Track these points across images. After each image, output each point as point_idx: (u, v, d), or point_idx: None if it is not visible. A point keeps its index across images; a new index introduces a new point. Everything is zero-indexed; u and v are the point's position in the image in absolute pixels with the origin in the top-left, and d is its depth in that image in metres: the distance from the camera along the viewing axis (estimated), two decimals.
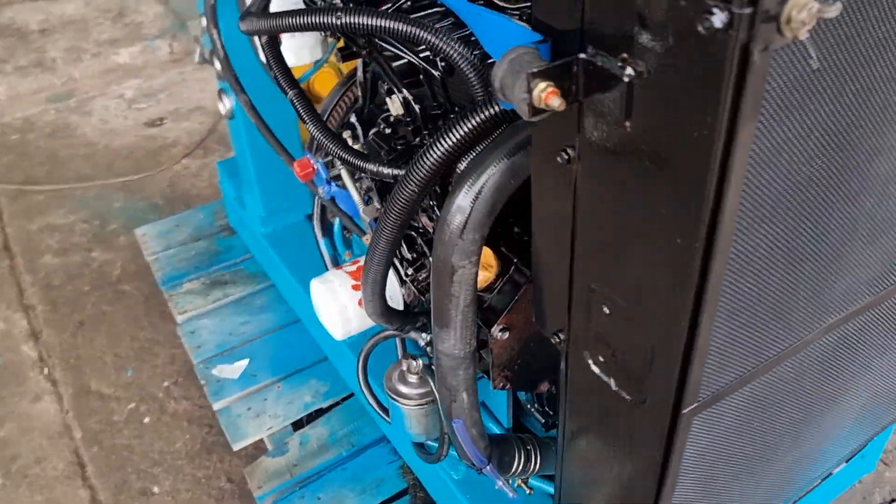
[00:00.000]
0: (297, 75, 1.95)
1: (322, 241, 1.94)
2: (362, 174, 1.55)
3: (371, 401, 1.79)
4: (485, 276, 1.30)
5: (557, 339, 1.08)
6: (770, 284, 0.86)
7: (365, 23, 1.09)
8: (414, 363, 1.60)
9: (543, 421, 1.57)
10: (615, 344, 0.96)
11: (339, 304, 1.67)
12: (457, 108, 1.29)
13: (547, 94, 0.76)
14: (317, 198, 1.88)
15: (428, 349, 1.64)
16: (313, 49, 1.70)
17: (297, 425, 2.15)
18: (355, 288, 1.68)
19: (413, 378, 1.64)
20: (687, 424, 0.94)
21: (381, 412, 1.78)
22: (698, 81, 0.65)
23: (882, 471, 2.22)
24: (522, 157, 1.07)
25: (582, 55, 0.77)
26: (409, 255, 1.57)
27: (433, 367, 1.62)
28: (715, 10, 0.60)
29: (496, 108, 1.07)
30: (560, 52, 0.80)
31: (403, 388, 1.64)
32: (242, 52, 2.06)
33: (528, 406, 1.61)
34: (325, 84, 2.42)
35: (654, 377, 0.90)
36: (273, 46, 1.44)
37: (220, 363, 2.28)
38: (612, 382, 1.00)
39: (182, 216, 2.94)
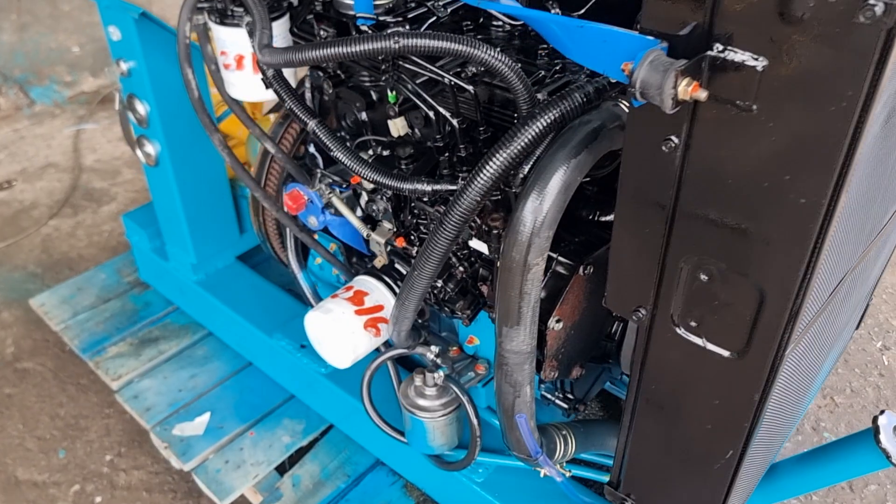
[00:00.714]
0: (251, 111, 1.92)
1: (301, 275, 1.91)
2: (372, 197, 1.57)
3: (382, 424, 1.79)
4: None
5: (639, 315, 1.19)
6: (852, 221, 1.03)
7: (425, 45, 1.14)
8: (435, 375, 1.64)
9: (567, 407, 1.67)
10: (711, 307, 1.08)
11: (347, 332, 1.66)
12: (489, 121, 1.36)
13: (693, 88, 0.87)
14: (290, 231, 1.86)
15: (438, 360, 1.69)
16: None
17: (280, 469, 2.08)
18: (359, 313, 1.68)
19: (431, 390, 1.68)
20: (781, 366, 1.09)
21: (394, 434, 1.79)
22: (843, 62, 0.79)
23: None
24: (586, 154, 1.17)
25: (710, 52, 0.88)
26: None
27: (452, 375, 1.67)
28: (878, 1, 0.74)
29: (556, 113, 1.17)
30: (679, 52, 0.91)
31: (424, 402, 1.67)
32: (171, 93, 1.99)
33: (549, 395, 1.70)
34: (234, 123, 2.38)
35: (763, 327, 1.04)
36: (283, 78, 1.43)
37: (178, 422, 2.15)
38: (704, 343, 1.12)
39: (81, 279, 2.72)
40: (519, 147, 1.17)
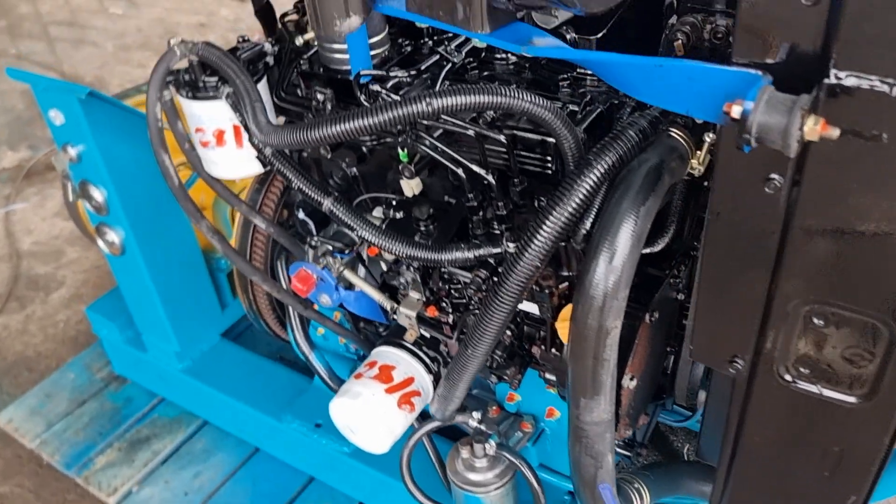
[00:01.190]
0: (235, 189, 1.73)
1: (314, 357, 1.73)
2: (395, 269, 1.41)
3: None
4: None
5: (737, 367, 1.07)
6: None
7: (462, 102, 1.00)
8: (486, 445, 1.50)
9: (631, 455, 1.55)
10: (828, 352, 0.97)
11: (381, 416, 1.50)
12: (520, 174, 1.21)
13: (822, 126, 0.75)
14: (293, 310, 1.68)
15: (483, 427, 1.55)
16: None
17: None
18: (389, 391, 1.52)
19: (482, 462, 1.53)
20: None
21: None
22: None
23: None
24: (653, 199, 1.05)
25: (827, 80, 0.76)
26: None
27: (502, 440, 1.53)
28: None
29: (614, 156, 1.04)
30: (785, 84, 0.79)
31: (477, 476, 1.53)
32: (130, 174, 1.80)
33: None
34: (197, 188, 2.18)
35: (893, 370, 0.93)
36: (289, 159, 1.25)
37: None
38: (821, 390, 1.01)
39: (48, 383, 2.46)
40: (578, 200, 1.04)
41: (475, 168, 1.16)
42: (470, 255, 1.18)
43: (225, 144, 1.38)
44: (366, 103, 1.19)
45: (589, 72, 1.25)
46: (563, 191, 1.05)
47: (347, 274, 1.47)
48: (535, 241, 1.05)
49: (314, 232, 1.68)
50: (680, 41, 1.11)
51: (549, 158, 1.22)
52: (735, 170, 0.90)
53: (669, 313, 1.37)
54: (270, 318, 1.97)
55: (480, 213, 1.23)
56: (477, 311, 1.36)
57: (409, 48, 1.32)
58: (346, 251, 1.57)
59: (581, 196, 1.04)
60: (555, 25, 0.98)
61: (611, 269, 1.03)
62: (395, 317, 1.49)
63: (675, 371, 1.52)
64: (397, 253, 1.20)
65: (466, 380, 1.26)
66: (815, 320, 0.95)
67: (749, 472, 1.19)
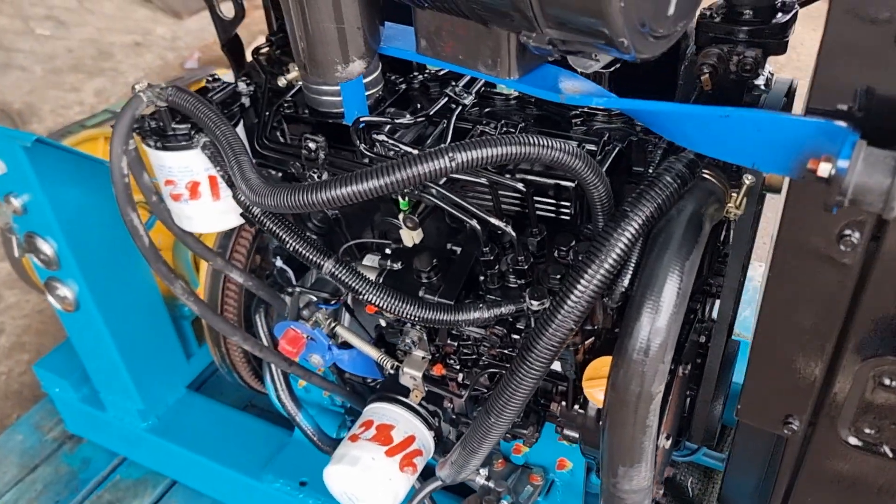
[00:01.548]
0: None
1: (301, 417, 1.59)
2: (398, 328, 1.28)
3: None
4: None
5: (792, 428, 0.98)
6: None
7: (490, 155, 0.88)
8: None
9: None
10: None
11: (384, 481, 1.38)
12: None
13: None
14: (276, 370, 1.53)
15: (489, 483, 1.44)
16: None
17: None
18: (390, 454, 1.40)
19: None
20: None
21: None
22: None
23: None
24: (696, 251, 0.96)
25: None
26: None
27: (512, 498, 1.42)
28: None
29: (653, 206, 0.95)
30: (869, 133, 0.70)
31: None
32: (81, 223, 1.64)
33: None
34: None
35: None
36: (281, 217, 1.12)
37: None
38: (887, 451, 0.93)
39: None
40: (616, 255, 0.94)
41: (492, 220, 1.05)
42: (489, 314, 1.07)
43: (200, 197, 1.24)
44: (367, 152, 1.07)
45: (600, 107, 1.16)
46: (599, 245, 0.95)
47: (341, 332, 1.35)
48: (570, 301, 0.95)
49: (293, 280, 1.54)
50: (706, 74, 1.03)
51: (565, 204, 1.12)
52: (804, 226, 0.82)
53: (693, 357, 1.28)
54: (245, 371, 1.82)
55: (496, 267, 1.12)
56: (493, 370, 1.26)
57: (402, 86, 1.20)
58: (332, 301, 1.44)
59: (619, 251, 0.94)
60: (593, 70, 0.88)
61: (656, 331, 0.94)
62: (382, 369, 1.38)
63: (693, 412, 1.44)
64: (410, 316, 1.07)
65: (487, 448, 1.15)
66: (886, 380, 0.88)
67: None
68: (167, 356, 2.00)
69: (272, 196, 0.98)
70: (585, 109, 1.18)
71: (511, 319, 1.16)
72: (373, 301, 1.07)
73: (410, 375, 1.29)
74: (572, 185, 1.09)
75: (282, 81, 1.20)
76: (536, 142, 0.90)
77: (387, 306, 1.07)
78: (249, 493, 1.86)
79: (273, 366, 1.52)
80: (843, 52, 0.71)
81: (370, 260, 1.37)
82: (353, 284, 1.08)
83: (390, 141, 1.03)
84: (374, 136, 1.05)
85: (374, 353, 1.34)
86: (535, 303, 1.06)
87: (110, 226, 1.75)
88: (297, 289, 1.48)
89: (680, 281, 0.94)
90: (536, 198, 1.12)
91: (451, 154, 0.87)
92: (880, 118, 0.71)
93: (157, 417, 1.99)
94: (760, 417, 1.01)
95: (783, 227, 0.83)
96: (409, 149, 1.02)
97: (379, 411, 1.46)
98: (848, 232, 0.79)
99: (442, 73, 1.23)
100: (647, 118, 0.86)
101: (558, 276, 1.09)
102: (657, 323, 0.94)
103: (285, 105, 1.20)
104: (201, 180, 1.22)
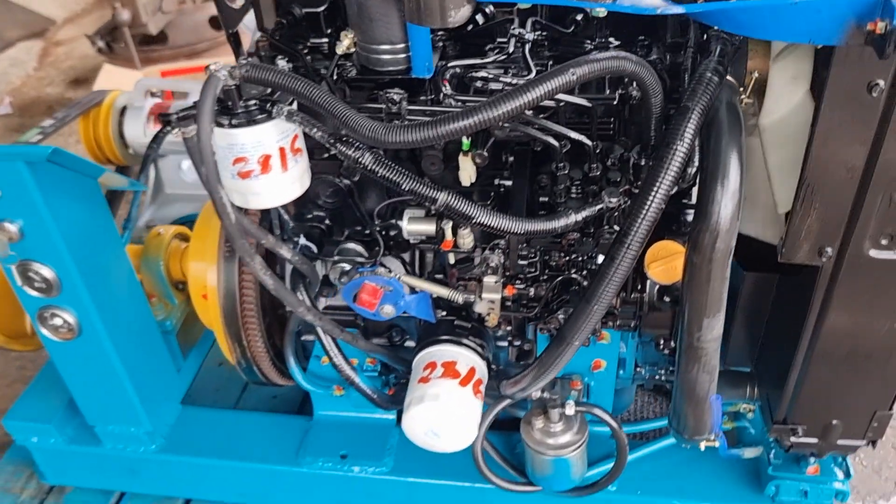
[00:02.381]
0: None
1: (358, 378, 1.66)
2: (480, 256, 1.42)
3: (514, 486, 1.68)
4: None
5: (827, 254, 1.26)
6: None
7: (593, 69, 1.07)
8: (566, 407, 1.57)
9: None
10: None
11: (465, 410, 1.51)
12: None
13: None
14: (329, 340, 1.59)
15: (544, 394, 1.61)
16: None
17: None
18: (462, 384, 1.53)
19: (557, 426, 1.61)
20: None
21: (530, 487, 1.68)
22: None
23: None
24: (743, 130, 1.20)
25: None
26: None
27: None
28: None
29: (706, 100, 1.17)
30: None
31: (562, 439, 1.60)
32: (86, 242, 1.60)
33: None
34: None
35: None
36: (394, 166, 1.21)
37: None
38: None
39: None
40: (688, 141, 1.16)
41: (576, 136, 1.23)
42: (580, 216, 1.25)
43: (270, 170, 1.30)
44: (452, 97, 1.21)
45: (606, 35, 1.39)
46: (674, 135, 1.16)
47: (409, 279, 1.46)
48: (663, 185, 1.15)
49: (316, 254, 1.62)
50: None
51: (611, 120, 1.33)
52: (842, 85, 1.08)
53: None
54: (266, 364, 1.84)
55: (567, 181, 1.30)
56: (562, 277, 1.43)
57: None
58: (369, 265, 1.55)
59: (690, 137, 1.16)
60: None
61: (731, 196, 1.17)
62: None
63: None
64: (519, 232, 1.22)
65: (573, 348, 1.33)
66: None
67: (828, 348, 1.39)
68: (164, 373, 1.96)
69: (394, 133, 1.08)
70: (599, 42, 1.39)
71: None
72: (490, 224, 1.20)
73: (489, 300, 1.43)
74: (614, 101, 1.30)
75: (340, 49, 1.29)
76: (633, 58, 1.09)
77: (500, 226, 1.21)
78: (288, 483, 1.88)
79: (326, 336, 1.59)
80: None
81: (410, 213, 1.49)
82: (468, 212, 1.20)
83: (479, 81, 1.18)
84: (472, 75, 1.19)
85: (444, 291, 1.46)
86: (612, 200, 1.26)
87: (107, 241, 1.71)
88: (336, 259, 1.56)
89: (740, 155, 1.18)
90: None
91: (572, 69, 1.05)
92: None
93: (164, 437, 1.94)
94: (801, 253, 1.27)
95: (831, 81, 1.08)
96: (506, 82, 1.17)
97: (436, 353, 1.58)
98: (877, 80, 1.06)
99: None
100: (719, 17, 1.09)
101: (618, 179, 1.30)
102: (730, 188, 1.17)
103: (347, 68, 1.30)
104: (272, 153, 1.28)
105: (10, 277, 1.60)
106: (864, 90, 1.08)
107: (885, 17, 0.95)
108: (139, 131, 2.42)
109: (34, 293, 1.63)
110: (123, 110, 2.46)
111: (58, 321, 1.67)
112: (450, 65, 1.22)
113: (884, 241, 1.23)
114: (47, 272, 1.59)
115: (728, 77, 1.25)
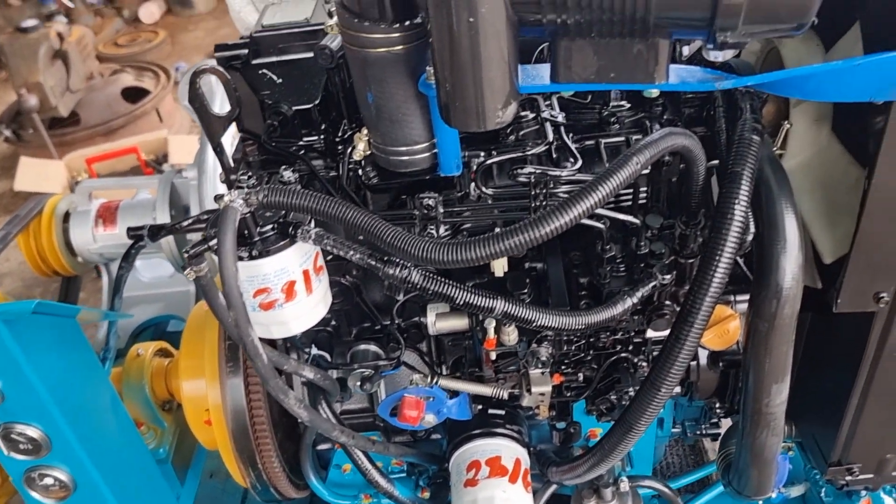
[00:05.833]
0: None
1: (397, 490, 1.53)
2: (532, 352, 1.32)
3: None
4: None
5: (885, 300, 1.23)
6: None
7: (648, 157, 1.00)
8: (620, 484, 1.50)
9: None
10: None
11: None
12: None
13: None
14: (360, 455, 1.47)
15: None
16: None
17: None
18: (512, 481, 1.44)
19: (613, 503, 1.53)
20: None
21: None
22: None
23: None
24: (791, 188, 1.17)
25: None
26: None
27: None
28: None
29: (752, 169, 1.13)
30: None
31: None
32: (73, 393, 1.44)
33: None
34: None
35: None
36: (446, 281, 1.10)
37: None
38: None
39: None
40: (743, 210, 1.11)
41: (625, 218, 1.16)
42: (635, 299, 1.18)
43: (296, 297, 1.18)
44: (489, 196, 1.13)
45: (620, 102, 1.34)
46: (728, 203, 1.10)
47: (449, 383, 1.35)
48: (724, 256, 1.09)
49: (331, 363, 1.50)
50: None
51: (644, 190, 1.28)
52: None
53: None
54: (282, 482, 1.69)
55: (614, 261, 1.23)
56: (613, 357, 1.36)
57: None
58: (391, 367, 1.44)
59: (744, 205, 1.11)
60: (721, 60, 1.03)
61: (793, 258, 1.13)
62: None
63: None
64: (579, 326, 1.14)
65: (634, 438, 1.25)
66: None
67: (885, 398, 1.36)
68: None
69: (443, 252, 0.99)
70: (612, 109, 1.33)
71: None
72: (550, 325, 1.11)
73: (539, 393, 1.34)
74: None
75: (357, 154, 1.19)
76: (681, 132, 1.03)
77: (561, 324, 1.12)
78: None
79: (358, 451, 1.46)
80: None
81: (436, 309, 1.39)
82: (529, 316, 1.11)
83: (524, 176, 1.10)
84: (518, 170, 1.10)
85: (487, 390, 1.37)
86: (666, 277, 1.19)
87: (94, 384, 1.54)
88: (358, 368, 1.44)
89: (795, 214, 1.14)
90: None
91: (635, 159, 0.98)
92: None
93: None
94: (858, 301, 1.24)
95: (887, 137, 1.05)
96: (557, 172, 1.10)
97: (477, 450, 1.48)
98: None
99: None
100: (782, 85, 1.04)
101: (664, 251, 1.24)
102: (791, 251, 1.13)
103: (368, 173, 1.19)
104: (297, 278, 1.16)
105: None
106: None
107: None
108: (87, 237, 2.23)
109: (20, 456, 1.44)
110: (66, 216, 2.26)
111: (48, 481, 1.48)
112: (488, 162, 1.14)
113: None
114: (33, 432, 1.41)
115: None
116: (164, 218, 2.15)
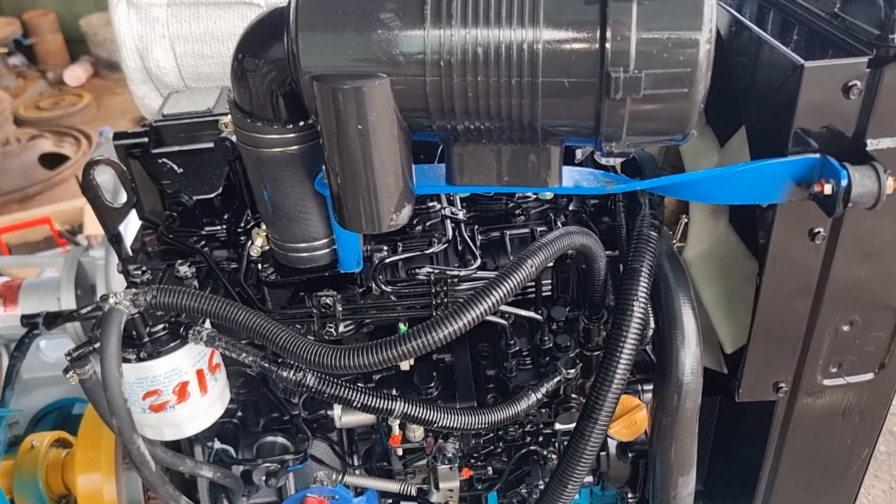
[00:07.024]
0: None
1: None
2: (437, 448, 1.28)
3: None
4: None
5: (783, 390, 1.25)
6: None
7: (542, 260, 1.00)
8: None
9: None
10: (852, 347, 1.21)
11: None
12: None
13: (892, 182, 0.96)
14: None
15: None
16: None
17: None
18: None
19: None
20: None
21: None
22: None
23: None
24: (688, 280, 1.19)
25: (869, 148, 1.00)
26: None
27: None
28: None
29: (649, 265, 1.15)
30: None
31: None
32: None
33: None
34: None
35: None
36: (342, 383, 1.06)
37: None
38: (846, 380, 1.25)
39: None
40: (643, 304, 1.12)
41: (528, 314, 1.16)
42: (540, 395, 1.16)
43: (189, 398, 1.12)
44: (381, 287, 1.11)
45: (525, 194, 1.35)
46: (627, 300, 1.11)
47: (355, 480, 1.30)
48: (625, 353, 1.10)
49: (235, 456, 1.43)
50: None
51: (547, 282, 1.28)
52: (787, 233, 1.08)
53: None
54: None
55: (520, 354, 1.22)
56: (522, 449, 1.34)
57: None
58: (298, 461, 1.38)
59: (643, 298, 1.12)
60: (613, 162, 1.05)
61: (692, 353, 1.14)
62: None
63: None
64: (484, 424, 1.11)
65: None
66: (844, 328, 1.19)
67: (791, 465, 1.38)
68: None
69: (347, 358, 0.96)
70: (517, 201, 1.35)
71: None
72: (454, 425, 1.08)
73: (448, 489, 1.30)
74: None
75: (255, 251, 1.15)
76: (579, 231, 1.04)
77: (465, 424, 1.09)
78: None
79: None
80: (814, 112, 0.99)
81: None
82: (430, 417, 1.08)
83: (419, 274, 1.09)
84: (416, 270, 1.09)
85: (394, 487, 1.32)
86: (570, 371, 1.19)
87: None
88: (261, 462, 1.38)
89: (693, 309, 1.16)
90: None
91: (530, 261, 0.98)
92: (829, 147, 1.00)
93: None
94: (757, 391, 1.26)
95: (775, 233, 1.08)
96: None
97: None
98: (818, 230, 1.08)
99: None
100: (673, 189, 1.06)
101: (568, 344, 1.23)
102: (690, 346, 1.14)
103: (265, 269, 1.16)
104: (190, 378, 1.11)
105: None
106: (807, 238, 1.09)
107: (829, 178, 0.96)
108: None
109: None
110: None
111: None
112: (388, 260, 1.12)
113: (833, 370, 1.24)
114: None
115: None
116: (68, 298, 2.05)
